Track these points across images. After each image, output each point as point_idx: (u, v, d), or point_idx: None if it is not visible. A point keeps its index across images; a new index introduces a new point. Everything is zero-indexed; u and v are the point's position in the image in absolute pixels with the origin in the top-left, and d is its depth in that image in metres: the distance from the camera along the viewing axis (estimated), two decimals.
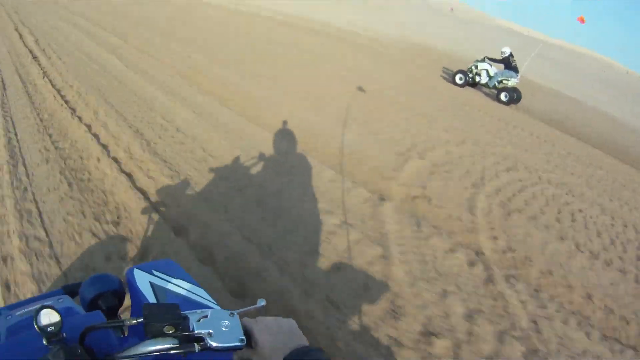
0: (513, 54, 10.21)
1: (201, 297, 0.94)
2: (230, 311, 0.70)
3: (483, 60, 10.50)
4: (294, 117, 5.52)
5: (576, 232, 4.10)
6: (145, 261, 1.97)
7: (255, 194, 3.44)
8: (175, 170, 3.58)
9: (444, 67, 13.18)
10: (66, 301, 1.02)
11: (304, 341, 0.70)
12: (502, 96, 9.81)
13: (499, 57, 10.28)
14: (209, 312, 0.68)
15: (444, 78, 11.43)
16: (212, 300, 0.95)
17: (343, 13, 24.14)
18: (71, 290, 1.16)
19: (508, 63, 10.11)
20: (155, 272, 0.98)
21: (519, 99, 9.84)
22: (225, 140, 4.39)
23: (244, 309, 0.78)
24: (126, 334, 0.85)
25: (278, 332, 0.70)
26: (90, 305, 1.05)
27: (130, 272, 0.97)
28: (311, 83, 7.72)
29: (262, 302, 0.82)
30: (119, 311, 1.13)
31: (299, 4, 22.76)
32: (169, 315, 0.63)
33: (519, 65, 10.15)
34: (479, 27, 50.71)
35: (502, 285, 2.89)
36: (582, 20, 13.31)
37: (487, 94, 10.60)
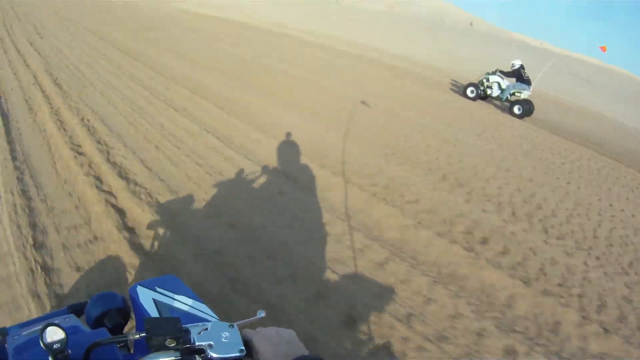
0: (524, 66, 10.05)
1: (203, 312, 0.97)
2: (230, 323, 0.72)
3: (494, 73, 10.34)
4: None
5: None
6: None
7: None
8: None
9: (452, 80, 13.06)
10: (72, 320, 1.03)
11: (303, 351, 0.70)
12: (516, 109, 9.59)
13: (509, 70, 10.13)
14: (209, 324, 0.70)
15: (454, 91, 11.31)
16: (214, 315, 0.97)
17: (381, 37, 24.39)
18: (76, 309, 1.19)
19: (520, 75, 9.93)
20: (158, 289, 1.00)
21: (531, 111, 9.61)
22: None
23: (243, 321, 0.79)
24: (132, 351, 0.87)
25: (279, 342, 0.70)
26: (96, 324, 1.07)
27: (134, 289, 0.99)
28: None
29: (261, 314, 0.83)
30: (126, 329, 1.14)
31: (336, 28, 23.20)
32: (171, 328, 0.65)
33: (531, 78, 9.95)
34: (495, 41, 50.23)
35: None
36: (604, 50, 13.20)
37: (497, 106, 10.40)
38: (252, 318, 0.82)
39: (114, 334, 1.03)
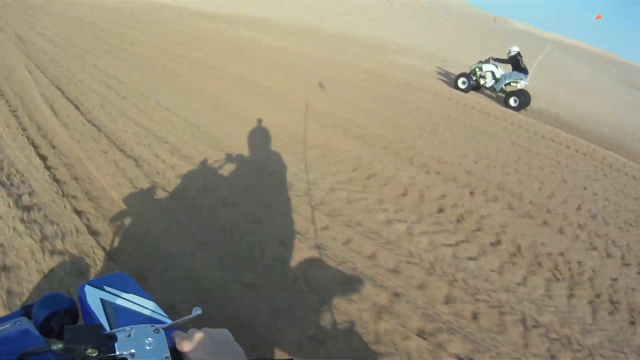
0: (521, 53, 9.20)
1: (150, 309, 0.93)
2: (154, 327, 0.68)
3: (487, 62, 9.50)
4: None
5: None
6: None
7: None
8: None
9: (439, 68, 12.16)
10: (24, 323, 0.93)
11: (240, 352, 0.66)
12: (512, 101, 8.72)
13: (505, 57, 9.31)
14: (133, 329, 0.66)
15: (444, 81, 10.43)
16: (164, 314, 0.93)
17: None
18: (28, 311, 1.05)
19: (516, 63, 9.08)
20: (106, 288, 0.97)
21: (528, 102, 8.76)
22: None
23: (177, 321, 0.74)
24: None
25: (211, 344, 0.64)
26: (43, 327, 0.97)
27: (82, 289, 0.96)
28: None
29: (197, 311, 0.75)
30: None
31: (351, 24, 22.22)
32: (92, 336, 0.61)
33: (528, 67, 9.10)
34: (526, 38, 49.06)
35: None
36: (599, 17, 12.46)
37: (488, 96, 9.56)
38: (186, 317, 0.74)
39: (60, 337, 0.82)
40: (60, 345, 0.59)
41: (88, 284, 0.97)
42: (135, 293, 0.98)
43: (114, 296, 0.95)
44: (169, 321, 0.83)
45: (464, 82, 9.63)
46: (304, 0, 29.97)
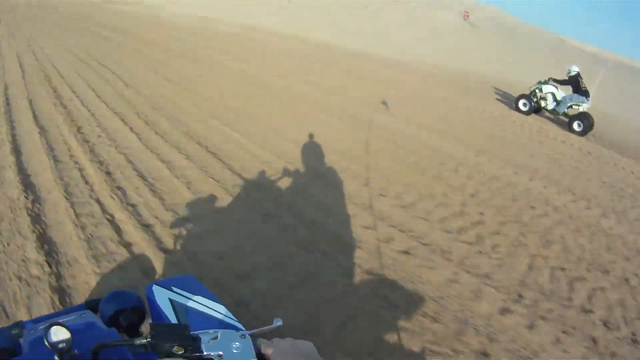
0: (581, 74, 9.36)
1: (222, 314, 0.93)
2: (241, 332, 0.70)
3: (547, 82, 9.65)
4: None
5: None
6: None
7: None
8: None
9: (496, 89, 12.33)
10: (88, 316, 1.03)
11: None
12: (576, 125, 8.94)
13: (565, 77, 9.37)
14: (220, 332, 0.68)
15: (503, 102, 10.66)
16: (233, 317, 0.93)
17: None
18: (93, 306, 1.16)
19: (577, 84, 9.22)
20: (174, 289, 0.98)
21: (592, 126, 9.00)
22: None
23: (258, 330, 0.76)
24: (149, 349, 0.82)
25: (295, 355, 0.67)
26: (111, 321, 1.06)
27: (149, 288, 0.97)
28: None
29: (278, 322, 0.79)
30: (142, 328, 1.13)
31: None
32: (179, 335, 0.63)
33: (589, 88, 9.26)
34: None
35: None
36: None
37: (550, 119, 9.81)
38: (267, 327, 0.78)
39: (129, 332, 1.06)
40: (144, 341, 0.62)
41: (156, 284, 0.99)
42: (204, 296, 0.98)
43: (184, 298, 0.96)
44: (240, 326, 0.86)
45: (525, 104, 9.88)
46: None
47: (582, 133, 8.89)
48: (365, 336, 2.35)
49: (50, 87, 6.40)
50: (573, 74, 9.31)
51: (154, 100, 6.34)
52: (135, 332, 1.09)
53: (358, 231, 3.46)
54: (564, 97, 9.42)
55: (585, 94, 9.20)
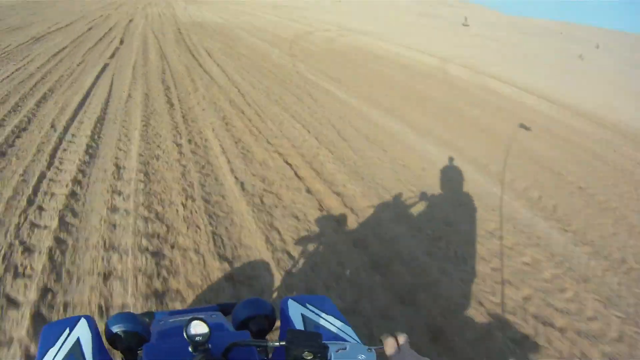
0: None
1: (349, 336, 0.97)
2: (368, 347, 0.71)
3: None
4: None
5: None
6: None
7: None
8: None
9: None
10: (218, 317, 1.11)
11: None
12: None
13: None
14: (347, 344, 0.71)
15: None
16: (360, 342, 0.94)
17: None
18: (224, 308, 1.28)
19: None
20: (308, 306, 1.04)
21: None
22: None
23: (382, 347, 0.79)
24: (270, 355, 0.94)
25: None
26: (241, 325, 1.13)
27: (285, 301, 1.04)
28: None
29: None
30: (268, 336, 1.21)
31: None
32: (310, 342, 0.68)
33: None
34: None
35: None
36: None
37: None
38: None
39: (256, 338, 1.09)
40: (277, 344, 0.68)
41: (291, 299, 1.05)
42: (334, 316, 1.02)
43: (316, 315, 1.01)
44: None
45: None
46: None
47: None
48: None
49: None
50: None
51: None
52: (261, 339, 1.13)
53: None
54: None
55: None
